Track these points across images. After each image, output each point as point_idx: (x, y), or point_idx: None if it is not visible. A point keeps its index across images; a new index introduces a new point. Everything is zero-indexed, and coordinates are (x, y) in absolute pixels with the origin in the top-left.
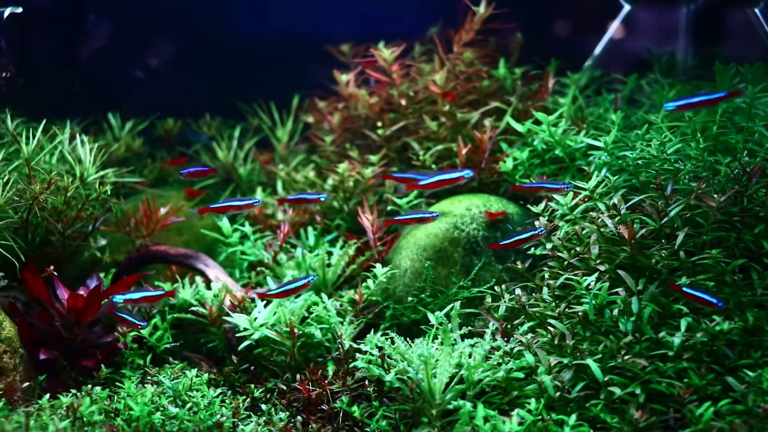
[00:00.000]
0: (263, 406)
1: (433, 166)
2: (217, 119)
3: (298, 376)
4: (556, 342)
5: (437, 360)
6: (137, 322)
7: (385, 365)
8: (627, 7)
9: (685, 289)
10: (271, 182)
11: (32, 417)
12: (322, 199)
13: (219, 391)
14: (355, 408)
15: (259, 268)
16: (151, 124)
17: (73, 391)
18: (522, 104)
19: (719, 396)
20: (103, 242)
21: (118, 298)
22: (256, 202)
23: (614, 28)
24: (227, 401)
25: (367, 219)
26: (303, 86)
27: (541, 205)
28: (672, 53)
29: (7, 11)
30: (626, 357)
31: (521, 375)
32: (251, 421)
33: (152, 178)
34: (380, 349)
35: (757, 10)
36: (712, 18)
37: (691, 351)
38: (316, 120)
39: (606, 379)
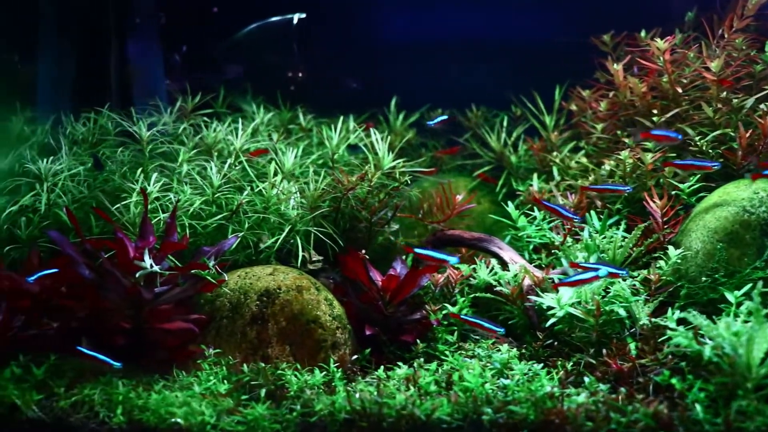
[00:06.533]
0: (585, 379)
1: (710, 151)
2: (481, 108)
3: (603, 351)
4: None
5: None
6: (495, 329)
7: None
8: None
9: None
10: (544, 169)
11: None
12: (627, 191)
13: (538, 365)
14: (675, 380)
15: (552, 250)
16: (420, 116)
17: (400, 364)
18: None
19: None
20: (395, 227)
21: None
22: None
23: None
24: (544, 374)
25: (655, 204)
26: (562, 78)
27: None
28: None
29: (296, 17)
30: None
31: None
32: (579, 392)
33: (425, 166)
34: (683, 324)
35: None
36: None
37: None
38: (579, 108)
39: None
